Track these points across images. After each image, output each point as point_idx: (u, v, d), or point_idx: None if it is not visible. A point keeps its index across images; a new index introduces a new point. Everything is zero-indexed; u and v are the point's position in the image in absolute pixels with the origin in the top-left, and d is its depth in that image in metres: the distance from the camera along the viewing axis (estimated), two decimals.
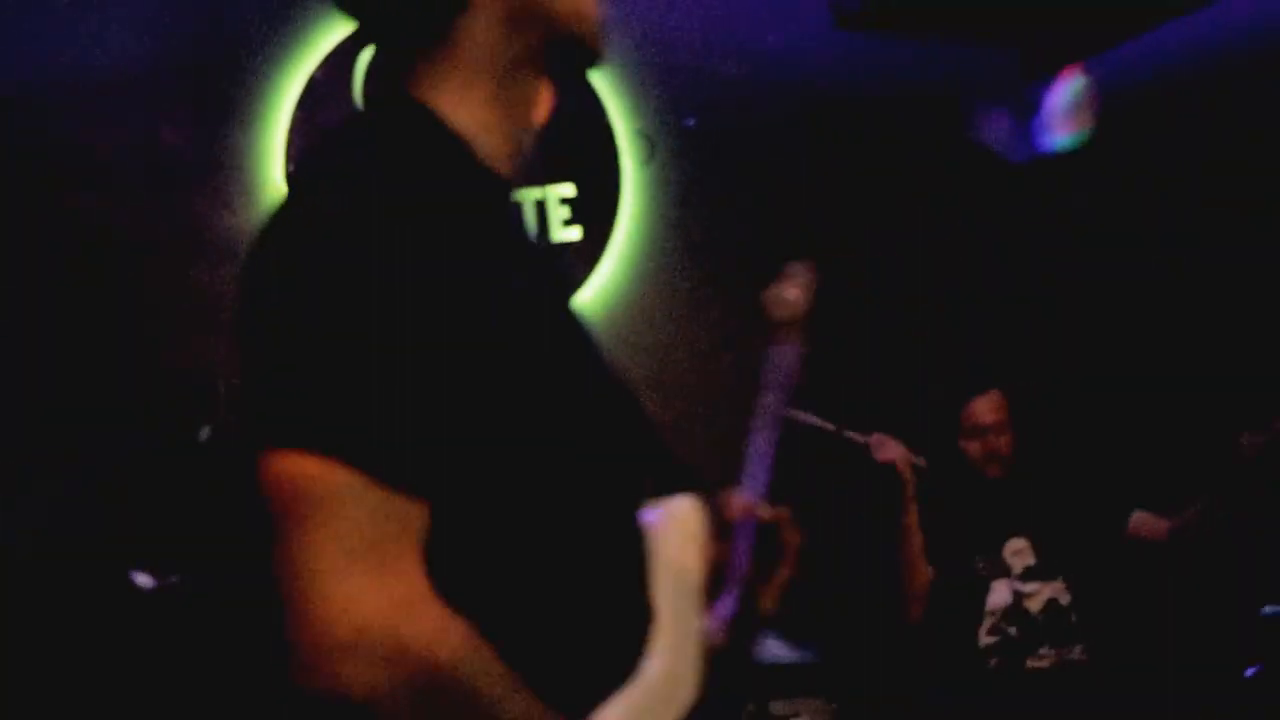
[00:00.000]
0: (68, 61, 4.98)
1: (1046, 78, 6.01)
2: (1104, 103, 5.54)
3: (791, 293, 2.54)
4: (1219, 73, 5.46)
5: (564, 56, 1.81)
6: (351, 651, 1.39)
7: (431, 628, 1.44)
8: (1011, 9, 5.59)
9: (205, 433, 4.01)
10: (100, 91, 5.04)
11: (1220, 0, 5.26)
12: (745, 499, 2.09)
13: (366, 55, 5.34)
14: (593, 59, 1.84)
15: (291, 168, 1.63)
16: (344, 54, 5.34)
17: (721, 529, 1.95)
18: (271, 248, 1.56)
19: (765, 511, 2.08)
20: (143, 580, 3.94)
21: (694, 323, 5.44)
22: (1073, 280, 6.00)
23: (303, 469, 1.42)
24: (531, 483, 1.56)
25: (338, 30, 5.31)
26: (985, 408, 4.80)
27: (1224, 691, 3.73)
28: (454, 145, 1.68)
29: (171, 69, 5.14)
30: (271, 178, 5.21)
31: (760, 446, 2.24)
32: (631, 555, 1.69)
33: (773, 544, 2.08)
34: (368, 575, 1.42)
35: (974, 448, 4.80)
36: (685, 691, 1.68)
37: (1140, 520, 4.53)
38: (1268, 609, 3.81)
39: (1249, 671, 3.65)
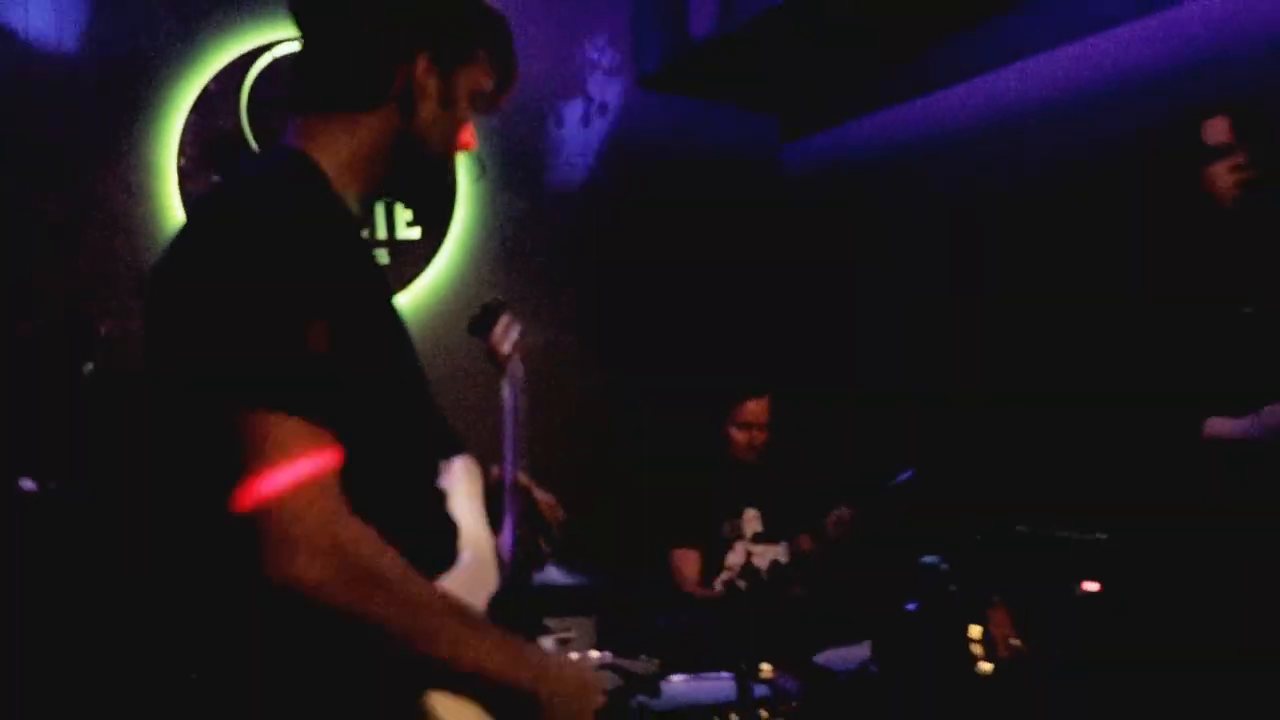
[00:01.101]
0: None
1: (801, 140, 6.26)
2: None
3: (501, 340, 2.87)
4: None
5: (407, 175, 1.96)
6: (303, 549, 1.50)
7: (357, 531, 1.56)
8: (771, 82, 5.83)
9: (89, 368, 4.05)
10: (25, 84, 4.99)
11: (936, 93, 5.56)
12: (505, 468, 2.39)
13: (251, 75, 5.32)
14: (430, 185, 2.01)
15: (208, 195, 1.74)
16: (234, 71, 5.32)
17: (491, 484, 2.20)
18: (199, 254, 1.68)
19: (520, 479, 2.37)
20: (27, 485, 3.97)
21: None
22: (820, 307, 6.10)
23: (256, 418, 1.54)
24: (378, 435, 1.70)
25: (229, 52, 5.32)
26: (758, 408, 4.95)
27: (891, 622, 3.87)
28: (324, 192, 1.80)
29: (89, 70, 5.08)
30: (166, 166, 5.21)
31: (510, 431, 2.54)
32: (437, 488, 1.85)
33: (532, 503, 2.37)
34: (310, 494, 1.53)
35: (740, 437, 4.93)
36: (490, 578, 1.85)
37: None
38: (925, 558, 3.96)
39: (909, 606, 3.78)
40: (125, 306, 5.05)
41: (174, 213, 5.22)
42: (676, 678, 3.73)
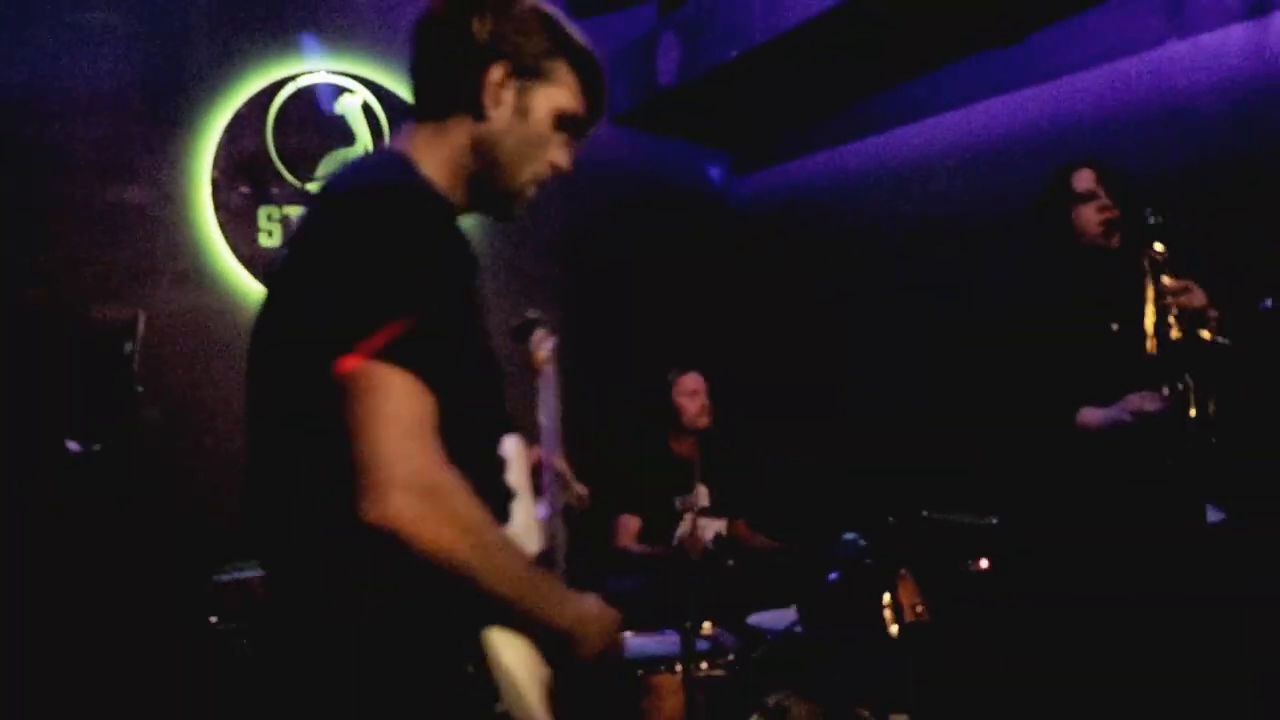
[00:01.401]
0: (60, 73, 4.91)
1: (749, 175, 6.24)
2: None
3: (538, 348, 2.87)
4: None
5: (487, 197, 1.85)
6: (407, 491, 1.46)
7: (451, 479, 1.52)
8: (722, 121, 5.83)
9: (129, 347, 4.01)
10: (79, 98, 4.96)
11: (866, 138, 5.56)
12: (542, 450, 2.34)
13: (277, 101, 5.28)
14: (500, 213, 1.89)
15: (338, 173, 1.68)
16: (262, 97, 5.28)
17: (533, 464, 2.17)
18: (337, 225, 1.62)
19: (555, 460, 2.33)
20: (73, 446, 3.94)
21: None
22: (759, 302, 6.13)
23: (379, 372, 1.50)
24: (463, 401, 1.61)
25: (258, 81, 5.28)
26: (693, 379, 4.88)
27: (815, 589, 3.86)
28: (427, 189, 1.72)
29: (135, 93, 5.04)
30: (200, 179, 5.16)
31: (548, 421, 2.51)
32: (501, 456, 1.79)
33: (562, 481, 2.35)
34: (417, 443, 1.50)
35: (688, 404, 4.84)
36: (533, 541, 1.83)
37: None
38: (846, 535, 3.95)
39: (831, 576, 3.77)
40: (162, 297, 5.02)
41: (207, 219, 5.19)
42: (626, 634, 3.69)
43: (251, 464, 1.71)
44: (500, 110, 1.78)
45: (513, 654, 1.63)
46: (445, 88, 1.79)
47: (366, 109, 5.46)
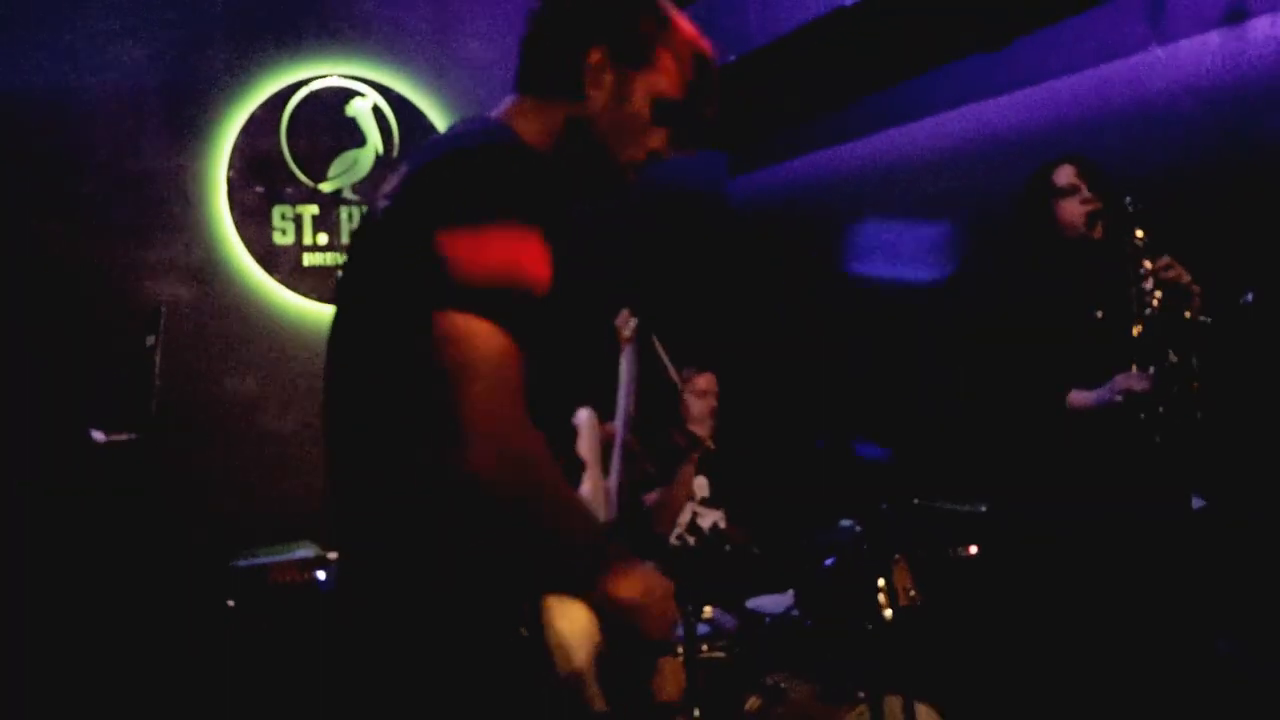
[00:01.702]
0: (80, 76, 5.01)
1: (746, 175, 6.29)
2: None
3: (623, 327, 2.94)
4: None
5: (589, 175, 1.83)
6: (493, 443, 1.47)
7: (536, 443, 1.53)
8: (722, 124, 5.86)
9: (150, 340, 4.07)
10: (98, 100, 5.05)
11: (862, 139, 5.63)
12: (615, 427, 2.40)
13: (291, 104, 5.37)
14: (599, 190, 1.86)
15: (456, 130, 1.70)
16: (277, 100, 5.37)
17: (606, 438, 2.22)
18: (441, 179, 1.60)
19: (627, 437, 2.38)
20: (98, 436, 4.00)
21: None
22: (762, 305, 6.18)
23: (465, 323, 1.49)
24: (544, 369, 1.63)
25: (273, 84, 5.37)
26: (706, 381, 4.83)
27: (812, 574, 3.89)
28: (530, 154, 1.70)
29: (155, 96, 5.14)
30: (217, 178, 5.25)
31: (624, 400, 2.57)
32: (572, 424, 1.83)
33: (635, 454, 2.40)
34: (509, 403, 1.50)
35: (697, 405, 4.78)
36: (600, 509, 1.88)
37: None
38: (842, 522, 4.00)
39: (828, 561, 3.79)
40: (179, 293, 5.10)
41: (223, 218, 5.26)
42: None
43: (331, 426, 1.71)
44: (599, 93, 1.76)
45: (568, 621, 1.61)
46: (547, 65, 1.78)
47: (377, 111, 5.55)
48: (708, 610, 3.87)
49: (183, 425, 4.74)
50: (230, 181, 5.29)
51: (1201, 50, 4.07)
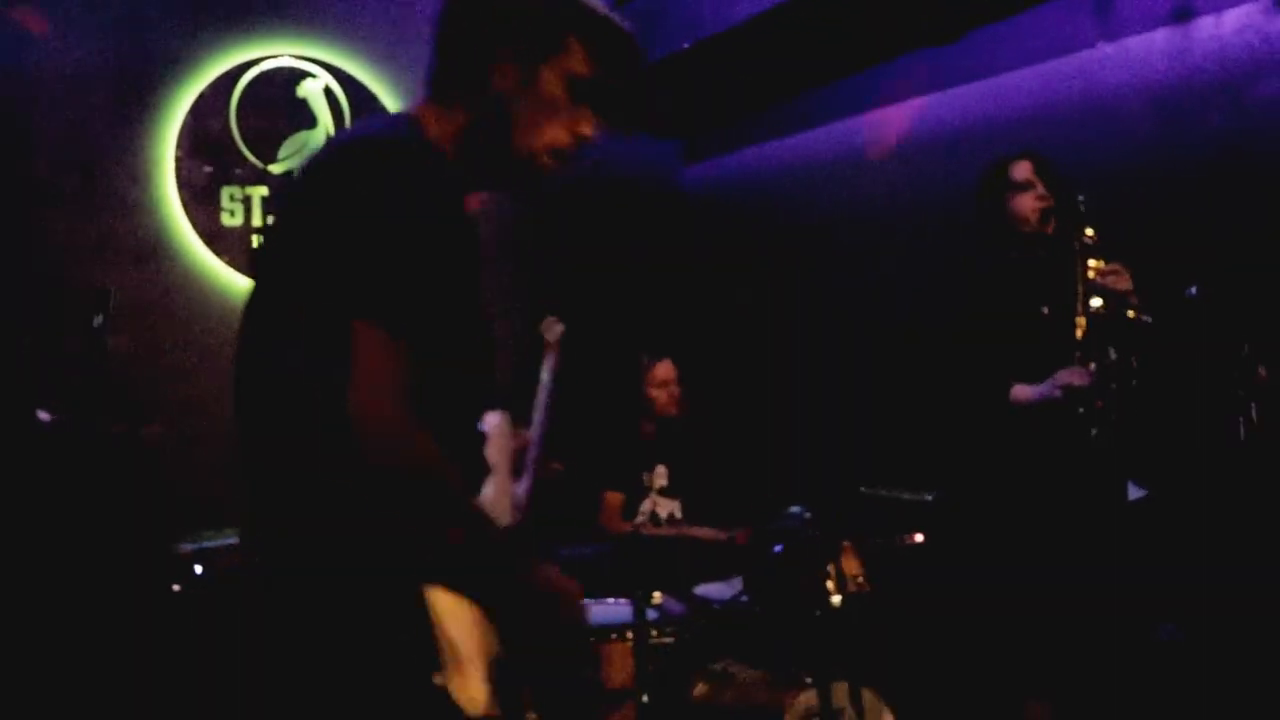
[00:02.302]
0: (26, 55, 4.91)
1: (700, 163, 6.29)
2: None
3: (548, 332, 2.91)
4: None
5: (500, 168, 1.81)
6: (393, 437, 1.50)
7: (425, 436, 1.54)
8: (674, 110, 5.87)
9: (98, 320, 4.01)
10: (46, 80, 4.95)
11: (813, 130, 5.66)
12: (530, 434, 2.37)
13: (241, 84, 5.29)
14: (518, 184, 1.85)
15: (348, 133, 1.69)
16: (226, 80, 5.29)
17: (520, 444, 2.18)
18: (342, 177, 1.60)
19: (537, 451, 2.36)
20: (44, 416, 3.94)
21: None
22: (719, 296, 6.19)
23: (372, 332, 1.51)
24: (447, 370, 1.62)
25: (223, 64, 5.28)
26: (664, 369, 4.85)
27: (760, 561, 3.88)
28: (434, 154, 1.69)
29: (104, 73, 5.05)
30: (165, 158, 5.17)
31: (542, 414, 2.54)
32: (480, 430, 1.76)
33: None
34: (399, 399, 1.52)
35: (659, 394, 4.82)
36: (504, 515, 1.82)
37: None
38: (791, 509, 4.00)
39: (776, 548, 3.74)
40: (126, 272, 5.03)
41: (170, 197, 5.18)
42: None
43: (240, 406, 1.72)
44: (507, 84, 1.74)
45: (458, 627, 1.59)
46: (453, 64, 1.77)
47: (328, 93, 5.48)
48: (657, 596, 3.86)
49: (129, 406, 4.66)
50: (178, 161, 5.19)
51: (1148, 48, 4.12)
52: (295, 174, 1.75)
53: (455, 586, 1.60)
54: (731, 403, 5.76)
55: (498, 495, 1.81)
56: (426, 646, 1.57)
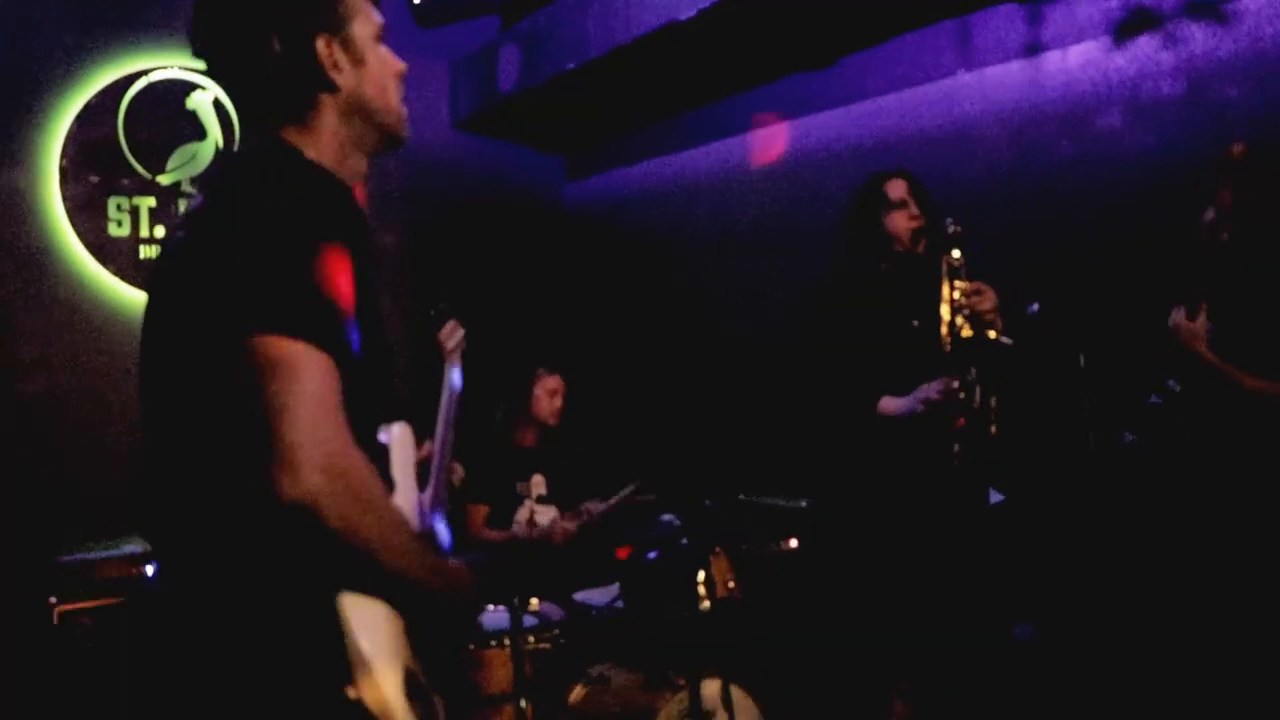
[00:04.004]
0: None
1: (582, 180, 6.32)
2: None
3: (448, 339, 2.87)
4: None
5: (379, 138, 1.82)
6: (323, 471, 1.41)
7: (363, 462, 1.49)
8: (559, 128, 5.91)
9: None
10: None
11: (690, 149, 5.72)
12: (433, 448, 2.36)
13: (130, 94, 5.21)
14: (397, 143, 1.85)
15: (214, 169, 1.64)
16: (115, 89, 5.20)
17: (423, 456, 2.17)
18: (224, 220, 1.56)
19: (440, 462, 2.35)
20: None
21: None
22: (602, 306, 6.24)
23: (282, 346, 1.44)
24: (358, 384, 1.55)
25: (111, 72, 5.19)
26: (555, 381, 4.84)
27: (636, 567, 3.89)
28: (317, 171, 1.71)
29: None
30: (49, 166, 5.05)
31: (443, 426, 2.51)
32: (381, 443, 1.70)
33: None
34: (332, 424, 1.45)
35: (544, 398, 4.80)
36: (412, 519, 1.75)
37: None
38: (664, 516, 4.04)
39: (650, 554, 3.80)
40: (8, 282, 4.91)
41: (55, 205, 5.08)
42: None
43: (148, 446, 1.65)
44: (344, 72, 1.75)
45: (370, 637, 1.55)
46: (288, 87, 1.73)
47: (218, 105, 5.40)
48: (535, 602, 3.87)
49: (8, 416, 4.56)
50: (63, 170, 5.08)
51: (1004, 79, 4.24)
52: (184, 214, 1.69)
53: (385, 599, 1.59)
54: (610, 412, 5.78)
55: (404, 507, 1.75)
56: (340, 657, 1.52)
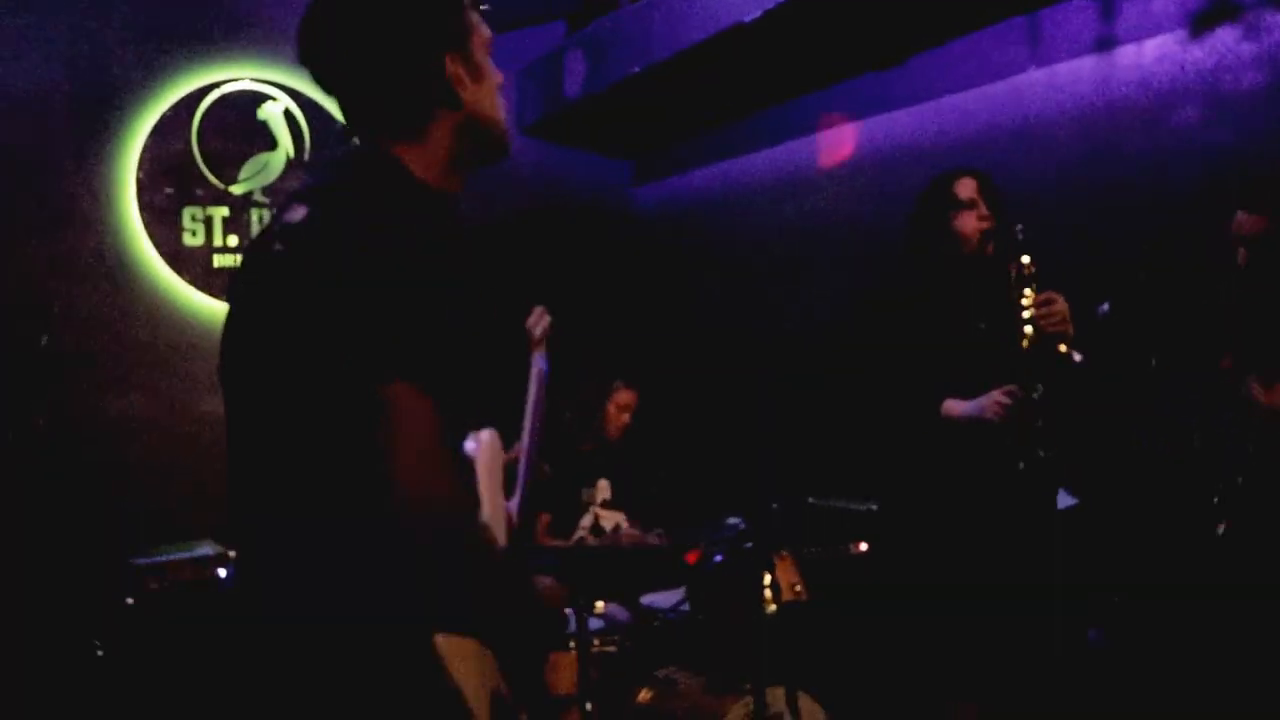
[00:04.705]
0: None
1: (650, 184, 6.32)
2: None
3: (534, 327, 2.85)
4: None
5: (488, 152, 1.80)
6: (432, 504, 1.44)
7: (464, 498, 1.56)
8: (625, 132, 5.92)
9: (44, 339, 4.00)
10: (4, 96, 4.96)
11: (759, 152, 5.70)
12: (521, 447, 2.36)
13: (203, 106, 5.30)
14: (503, 156, 1.83)
15: (314, 179, 1.60)
16: (189, 102, 5.30)
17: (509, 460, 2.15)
18: (333, 248, 1.53)
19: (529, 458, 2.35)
20: None
21: None
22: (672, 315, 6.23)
23: (400, 391, 1.44)
24: (453, 402, 1.55)
25: (184, 86, 5.29)
26: (630, 395, 4.83)
27: (702, 571, 3.89)
28: (427, 192, 1.70)
29: (64, 92, 5.04)
30: (126, 178, 5.16)
31: (532, 418, 2.50)
32: (466, 455, 1.72)
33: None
34: (436, 462, 1.47)
35: (615, 414, 4.79)
36: (500, 535, 1.74)
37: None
38: (730, 519, 4.03)
39: (716, 558, 3.82)
40: (88, 292, 5.02)
41: (132, 218, 5.17)
42: None
43: (239, 460, 1.65)
44: (468, 88, 1.73)
45: (461, 665, 1.55)
46: (411, 102, 1.72)
47: (288, 115, 5.49)
48: (600, 605, 3.87)
49: (86, 423, 4.66)
50: (139, 182, 5.19)
51: (1075, 75, 4.16)
52: (272, 232, 1.67)
53: (479, 632, 1.60)
54: (679, 416, 5.74)
55: (492, 517, 1.75)
56: (433, 687, 1.52)
